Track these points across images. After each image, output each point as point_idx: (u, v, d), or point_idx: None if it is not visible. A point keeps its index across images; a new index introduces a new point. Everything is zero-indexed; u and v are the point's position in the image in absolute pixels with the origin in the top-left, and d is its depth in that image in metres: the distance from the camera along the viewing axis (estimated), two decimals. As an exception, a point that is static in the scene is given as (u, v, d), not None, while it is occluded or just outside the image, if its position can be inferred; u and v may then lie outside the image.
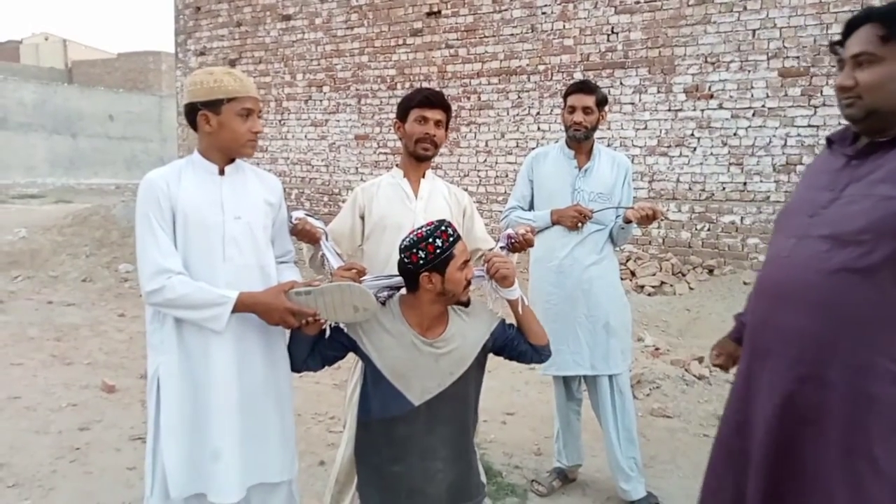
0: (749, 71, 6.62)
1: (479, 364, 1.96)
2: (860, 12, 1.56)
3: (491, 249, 2.16)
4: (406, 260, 1.84)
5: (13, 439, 3.63)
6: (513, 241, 2.16)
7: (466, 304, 1.94)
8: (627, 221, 2.92)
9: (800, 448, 1.50)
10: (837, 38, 1.61)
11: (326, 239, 2.17)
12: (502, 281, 1.95)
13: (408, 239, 1.86)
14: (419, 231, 1.85)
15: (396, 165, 2.51)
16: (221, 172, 2.01)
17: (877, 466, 1.42)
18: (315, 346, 1.95)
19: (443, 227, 1.85)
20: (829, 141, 1.69)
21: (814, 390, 1.48)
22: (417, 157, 2.41)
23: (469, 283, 1.88)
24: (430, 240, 1.82)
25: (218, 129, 1.94)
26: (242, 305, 1.88)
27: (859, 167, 1.55)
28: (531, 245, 2.21)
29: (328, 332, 1.93)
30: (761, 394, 1.58)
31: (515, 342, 1.99)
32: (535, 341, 2.00)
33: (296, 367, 2.00)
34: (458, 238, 1.86)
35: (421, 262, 1.81)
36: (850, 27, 1.56)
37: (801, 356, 1.50)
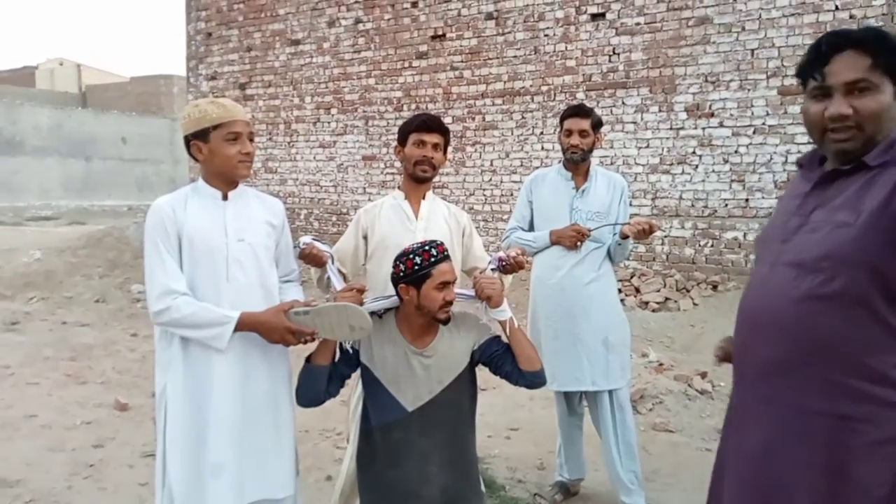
0: (749, 90, 6.71)
1: (470, 373, 2.06)
2: (830, 37, 1.50)
3: (483, 271, 2.25)
4: (392, 270, 2.00)
5: (29, 456, 3.73)
6: (503, 263, 2.26)
7: (445, 321, 2.01)
8: (624, 237, 3.01)
9: (785, 472, 1.48)
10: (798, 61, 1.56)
11: (332, 262, 2.28)
12: (489, 301, 2.03)
13: (399, 252, 2.01)
14: (409, 246, 2.01)
15: (398, 187, 2.62)
16: (225, 198, 2.12)
17: (857, 485, 1.39)
18: (331, 374, 2.02)
19: (427, 247, 1.97)
20: (800, 164, 1.66)
21: (793, 417, 1.47)
22: (416, 179, 2.51)
23: (448, 303, 1.97)
24: (412, 255, 1.96)
25: (210, 156, 2.05)
26: (244, 325, 1.98)
27: (825, 192, 1.52)
28: (522, 267, 2.29)
29: (338, 355, 2.02)
30: (746, 421, 1.58)
31: (500, 361, 2.04)
32: (524, 366, 2.02)
33: (320, 399, 2.03)
34: (442, 259, 1.96)
35: (401, 273, 1.96)
36: (827, 53, 1.48)
37: (779, 384, 1.49)
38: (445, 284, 1.96)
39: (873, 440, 1.38)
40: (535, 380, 2.05)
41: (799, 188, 1.61)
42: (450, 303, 1.98)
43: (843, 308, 1.41)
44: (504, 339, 2.07)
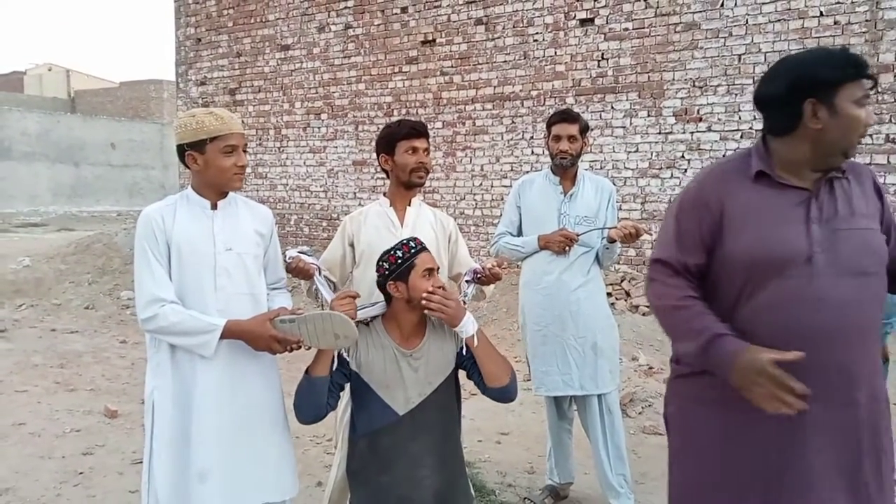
0: (736, 94, 6.77)
1: (454, 375, 2.08)
2: (862, 59, 1.61)
3: (462, 276, 2.27)
4: (377, 274, 2.02)
5: (18, 464, 3.71)
6: (479, 275, 2.28)
7: None
8: (612, 241, 3.04)
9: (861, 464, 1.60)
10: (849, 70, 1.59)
11: (319, 273, 2.30)
12: (445, 321, 1.99)
13: (379, 256, 2.04)
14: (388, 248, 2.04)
15: (383, 194, 2.63)
16: (214, 207, 2.13)
17: (887, 457, 1.60)
18: (329, 385, 2.02)
19: (405, 241, 2.03)
20: (762, 173, 1.64)
21: (854, 414, 1.58)
22: (412, 186, 2.53)
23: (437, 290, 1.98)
24: (393, 251, 2.01)
25: (204, 167, 2.07)
26: (230, 333, 2.00)
27: (822, 200, 1.61)
28: (499, 278, 2.31)
29: (336, 365, 2.02)
30: (812, 437, 1.57)
31: (471, 371, 2.07)
32: (487, 382, 2.02)
33: (322, 413, 2.01)
34: (422, 250, 2.01)
35: (386, 272, 1.99)
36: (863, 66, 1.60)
37: (846, 389, 1.57)
38: (430, 272, 2.00)
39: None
40: (498, 395, 2.05)
41: (779, 198, 1.62)
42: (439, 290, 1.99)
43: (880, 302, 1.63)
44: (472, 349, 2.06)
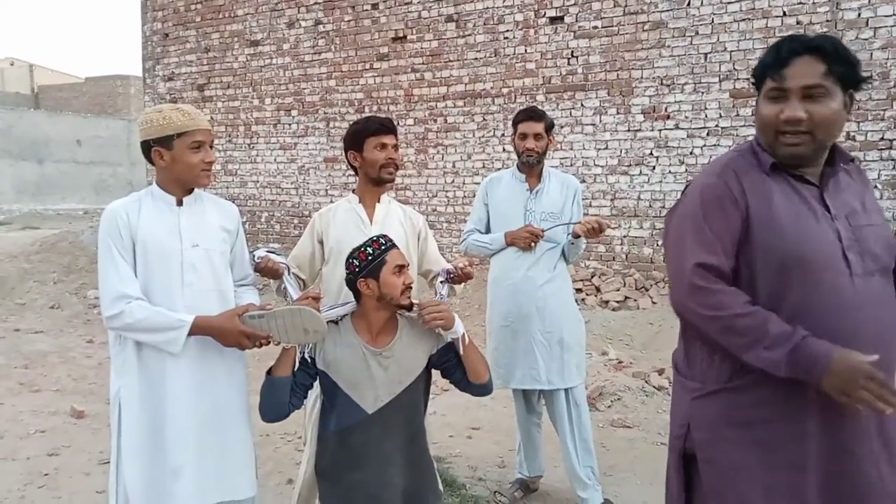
0: (703, 92, 6.89)
1: (426, 374, 2.08)
2: (790, 41, 1.52)
3: (435, 276, 2.28)
4: (347, 272, 2.02)
5: (-20, 467, 3.64)
6: (451, 275, 2.31)
7: (410, 307, 2.03)
8: (576, 236, 3.08)
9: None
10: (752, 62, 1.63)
11: (288, 272, 2.30)
12: (444, 327, 2.01)
13: (349, 253, 2.03)
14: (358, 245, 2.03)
15: (352, 191, 2.64)
16: (180, 203, 2.12)
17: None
18: (293, 386, 2.01)
19: (375, 238, 2.02)
20: (775, 166, 1.57)
21: None
22: (381, 182, 2.53)
23: (408, 287, 1.99)
24: (363, 248, 2.00)
25: (171, 163, 2.05)
26: (198, 329, 1.99)
27: (831, 194, 1.56)
28: (471, 277, 2.34)
29: (297, 365, 2.01)
30: (862, 441, 1.51)
31: (453, 369, 2.07)
32: (472, 378, 2.05)
33: (284, 413, 1.99)
34: (392, 247, 2.01)
35: (357, 269, 1.98)
36: (787, 55, 1.51)
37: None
38: (401, 268, 1.99)
39: None
40: (481, 391, 2.10)
41: (792, 190, 1.56)
42: (409, 287, 2.00)
43: None
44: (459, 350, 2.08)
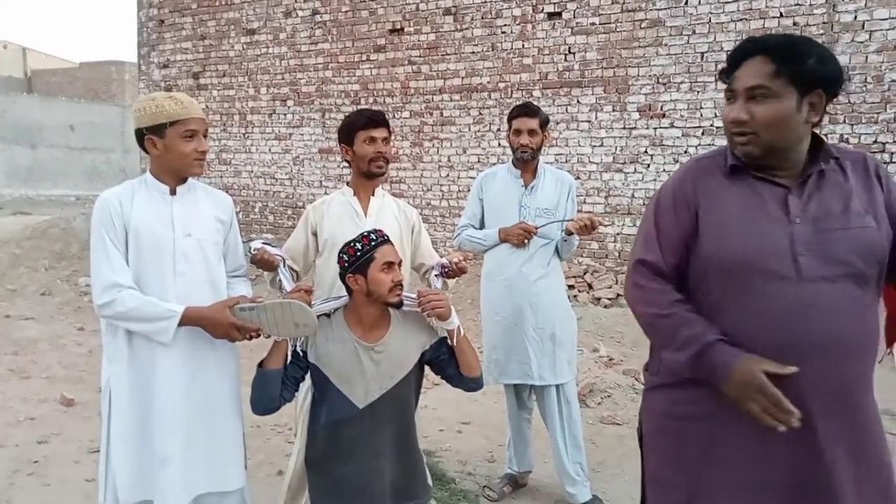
0: (698, 91, 6.90)
1: (419, 369, 2.09)
2: (745, 43, 1.51)
3: (427, 271, 2.29)
4: (338, 266, 2.02)
5: (-31, 453, 3.63)
6: (446, 269, 2.31)
7: (398, 305, 2.03)
8: (569, 233, 3.09)
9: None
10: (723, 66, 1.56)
11: (284, 265, 2.30)
12: (437, 317, 2.03)
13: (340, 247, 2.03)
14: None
15: (347, 184, 2.64)
16: (173, 192, 2.11)
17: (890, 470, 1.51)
18: (284, 379, 2.01)
19: (366, 233, 2.01)
20: (735, 167, 1.55)
21: (871, 420, 1.50)
22: (371, 176, 2.53)
23: (397, 285, 1.98)
24: (352, 243, 2.00)
25: (164, 151, 2.05)
26: (188, 319, 1.99)
27: (809, 196, 1.50)
28: (465, 272, 2.35)
29: (289, 358, 2.02)
30: (826, 448, 1.47)
31: (445, 364, 2.08)
32: (465, 372, 2.07)
33: (275, 406, 2.00)
34: (383, 242, 1.99)
35: (346, 264, 1.98)
36: (738, 57, 1.50)
37: (842, 398, 1.47)
38: (391, 265, 1.98)
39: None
40: (473, 385, 2.11)
41: (760, 192, 1.52)
42: (399, 284, 1.99)
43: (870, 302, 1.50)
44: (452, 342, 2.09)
